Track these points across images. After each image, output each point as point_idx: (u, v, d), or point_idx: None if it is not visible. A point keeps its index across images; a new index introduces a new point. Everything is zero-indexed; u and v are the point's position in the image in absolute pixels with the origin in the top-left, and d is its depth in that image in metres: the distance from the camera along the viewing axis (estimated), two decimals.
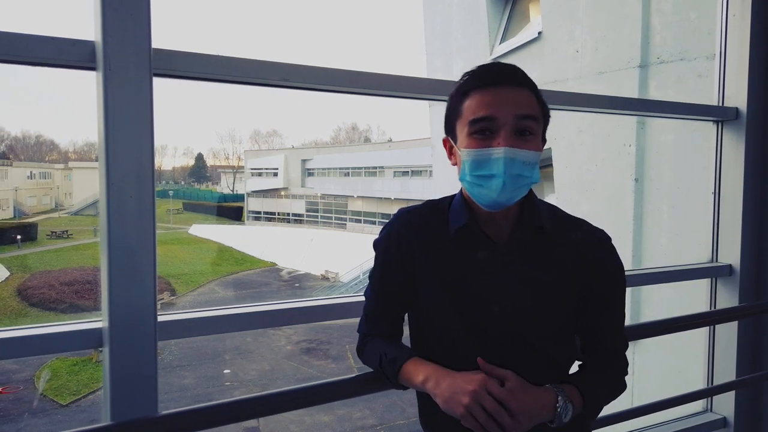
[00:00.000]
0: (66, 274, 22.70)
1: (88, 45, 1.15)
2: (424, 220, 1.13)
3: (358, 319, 1.25)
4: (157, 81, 1.18)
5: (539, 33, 4.98)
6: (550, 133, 1.10)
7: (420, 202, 1.18)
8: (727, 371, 2.29)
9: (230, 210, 45.06)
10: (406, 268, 1.12)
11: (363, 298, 1.24)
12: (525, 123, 0.99)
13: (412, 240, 1.12)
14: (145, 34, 1.14)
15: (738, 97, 2.26)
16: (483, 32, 6.12)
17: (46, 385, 13.22)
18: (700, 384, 2.40)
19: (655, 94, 3.59)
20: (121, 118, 1.13)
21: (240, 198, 47.21)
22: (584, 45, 4.25)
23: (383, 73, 1.53)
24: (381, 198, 34.22)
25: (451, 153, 1.09)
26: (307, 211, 40.51)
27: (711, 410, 2.36)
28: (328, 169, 39.47)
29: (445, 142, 1.11)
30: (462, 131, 1.03)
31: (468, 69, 1.06)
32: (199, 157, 73.45)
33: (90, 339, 1.20)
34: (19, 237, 28.40)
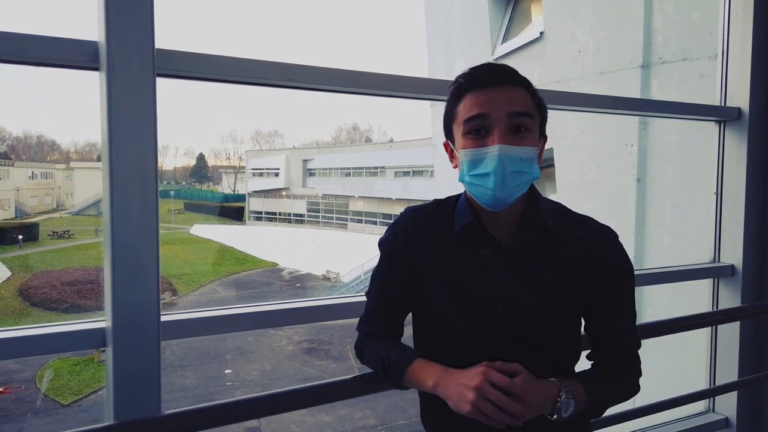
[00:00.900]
0: (67, 274, 22.72)
1: (92, 45, 1.15)
2: (430, 219, 1.13)
3: (359, 319, 1.25)
4: (158, 81, 1.18)
5: (541, 33, 4.98)
6: (551, 133, 1.10)
7: (422, 202, 1.19)
8: (729, 372, 2.29)
9: (231, 210, 45.08)
10: (411, 266, 1.12)
11: (364, 299, 1.24)
12: (519, 120, 0.99)
13: (418, 238, 1.12)
14: (148, 35, 1.14)
15: (740, 97, 2.26)
16: (485, 32, 6.12)
17: (48, 385, 13.23)
18: (702, 384, 2.40)
19: (657, 94, 3.58)
20: (124, 119, 1.13)
21: (241, 198, 47.24)
22: (586, 45, 4.25)
23: (385, 73, 1.53)
24: (382, 198, 34.21)
25: (452, 156, 1.10)
26: (309, 211, 40.51)
27: (713, 411, 2.35)
28: (330, 169, 39.46)
29: (446, 146, 1.12)
30: (458, 132, 1.04)
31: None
32: (201, 158, 73.51)
33: (93, 339, 1.21)
34: (20, 237, 28.43)
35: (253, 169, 43.75)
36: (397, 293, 1.15)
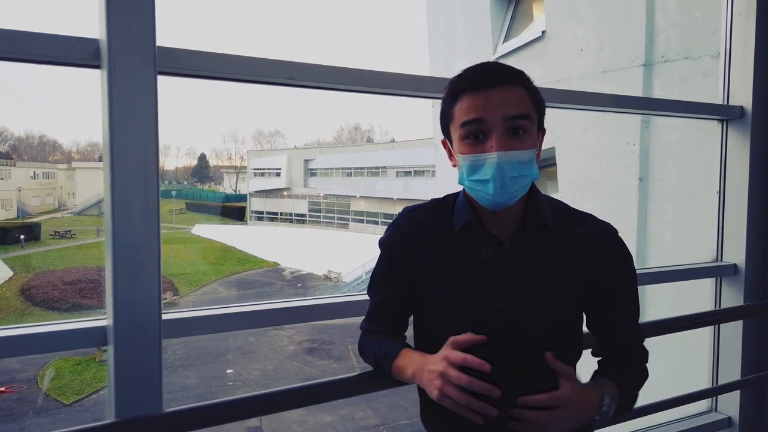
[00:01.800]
0: (69, 274, 22.74)
1: (93, 43, 1.15)
2: (429, 218, 1.13)
3: (360, 319, 1.25)
4: (160, 79, 1.18)
5: (543, 32, 4.97)
6: (553, 132, 1.10)
7: (422, 202, 1.18)
8: (731, 371, 2.28)
9: (233, 210, 45.12)
10: (409, 266, 1.12)
11: (365, 297, 1.25)
12: (516, 123, 0.98)
13: (416, 238, 1.11)
14: (149, 32, 1.14)
15: (743, 95, 2.26)
16: (486, 32, 6.12)
17: (49, 384, 13.25)
18: (704, 383, 2.39)
19: (659, 92, 3.58)
20: (125, 117, 1.13)
21: (243, 198, 47.30)
22: (588, 44, 4.24)
23: (388, 71, 1.53)
24: (383, 198, 34.21)
25: (450, 155, 1.09)
26: (310, 211, 40.53)
27: (716, 410, 2.35)
28: (331, 169, 39.47)
29: (444, 143, 1.11)
30: (455, 135, 1.03)
31: None
32: (202, 157, 73.57)
33: (95, 337, 1.20)
34: (22, 237, 28.48)
35: (255, 169, 43.78)
36: (395, 293, 1.15)
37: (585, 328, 1.15)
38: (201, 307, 1.38)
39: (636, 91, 3.66)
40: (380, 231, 1.22)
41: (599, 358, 1.17)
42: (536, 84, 1.06)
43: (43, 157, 60.98)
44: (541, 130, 1.06)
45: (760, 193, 2.26)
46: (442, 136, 1.12)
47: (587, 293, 1.08)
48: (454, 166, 1.08)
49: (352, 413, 11.81)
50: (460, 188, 1.13)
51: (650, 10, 3.61)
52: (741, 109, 2.25)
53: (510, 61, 5.22)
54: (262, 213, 41.99)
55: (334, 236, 33.50)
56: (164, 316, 1.21)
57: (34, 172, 43.53)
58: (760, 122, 2.24)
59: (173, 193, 50.31)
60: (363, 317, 1.24)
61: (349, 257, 25.54)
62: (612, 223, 1.12)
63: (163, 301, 1.20)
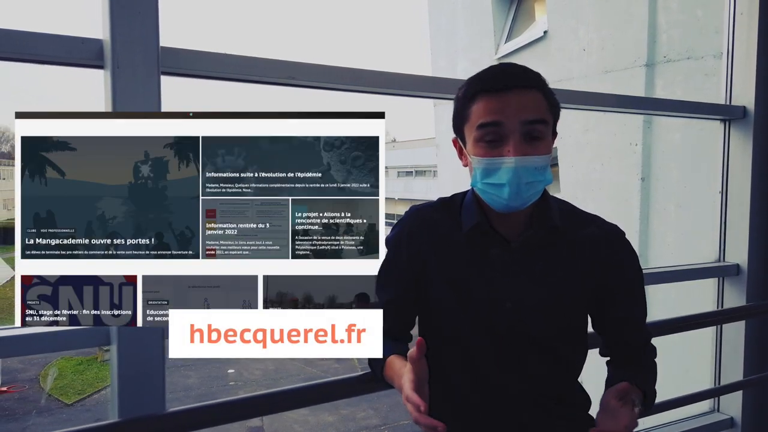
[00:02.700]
0: None
1: (96, 43, 1.15)
2: (435, 218, 1.12)
3: None
4: (163, 80, 1.18)
5: (545, 32, 4.97)
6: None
7: (425, 201, 1.18)
8: (734, 371, 2.28)
9: None
10: (414, 265, 1.11)
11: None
12: (533, 127, 0.98)
13: (422, 238, 1.11)
14: (153, 33, 1.14)
15: (745, 95, 2.25)
16: (488, 31, 6.11)
17: (51, 384, 13.27)
18: (707, 384, 2.39)
19: (661, 92, 3.57)
20: None
21: None
22: (590, 44, 4.24)
23: (388, 71, 1.53)
24: (384, 198, 34.18)
25: (461, 154, 1.09)
26: None
27: (718, 410, 2.35)
28: None
29: (454, 142, 1.10)
30: (470, 136, 1.02)
31: (473, 68, 1.05)
32: None
33: (98, 336, 1.21)
34: None
35: None
36: (400, 292, 1.15)
37: (590, 329, 1.15)
38: None
39: (638, 91, 3.65)
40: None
41: (608, 358, 1.17)
42: None
43: None
44: (554, 134, 1.06)
45: (762, 193, 2.26)
46: (445, 137, 1.12)
47: (594, 294, 1.08)
48: (465, 165, 1.07)
49: (354, 413, 11.82)
50: (461, 188, 1.13)
51: (652, 10, 3.61)
52: (743, 109, 2.25)
53: (511, 61, 5.21)
54: None
55: None
56: None
57: None
58: (763, 122, 2.24)
59: None
60: None
61: None
62: (614, 223, 1.12)
63: None
